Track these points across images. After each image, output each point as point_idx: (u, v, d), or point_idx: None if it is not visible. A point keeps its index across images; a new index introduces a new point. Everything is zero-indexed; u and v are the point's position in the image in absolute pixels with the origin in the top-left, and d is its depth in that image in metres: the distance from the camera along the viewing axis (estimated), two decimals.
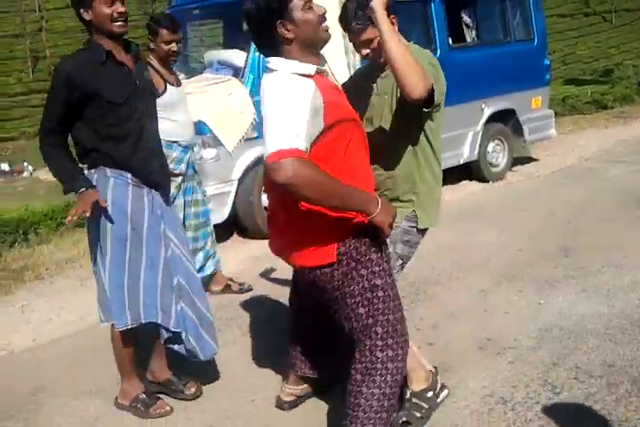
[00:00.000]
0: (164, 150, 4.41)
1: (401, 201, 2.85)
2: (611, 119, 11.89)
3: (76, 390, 3.63)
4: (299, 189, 2.07)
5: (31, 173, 23.31)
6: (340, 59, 6.28)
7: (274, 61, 2.28)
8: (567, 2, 41.85)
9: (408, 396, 3.04)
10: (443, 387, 3.16)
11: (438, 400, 3.09)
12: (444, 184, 7.60)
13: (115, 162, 2.98)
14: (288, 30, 2.23)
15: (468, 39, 7.94)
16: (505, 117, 8.05)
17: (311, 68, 2.25)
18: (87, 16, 2.87)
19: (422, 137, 2.82)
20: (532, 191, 7.24)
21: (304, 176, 2.05)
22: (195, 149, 4.70)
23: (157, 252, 3.07)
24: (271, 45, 2.28)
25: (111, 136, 2.94)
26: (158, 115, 3.22)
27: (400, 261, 2.90)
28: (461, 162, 7.60)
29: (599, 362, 3.38)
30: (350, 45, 6.27)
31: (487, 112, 7.75)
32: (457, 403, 3.12)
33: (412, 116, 2.70)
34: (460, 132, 7.53)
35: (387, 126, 2.78)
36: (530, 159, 8.67)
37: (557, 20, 37.04)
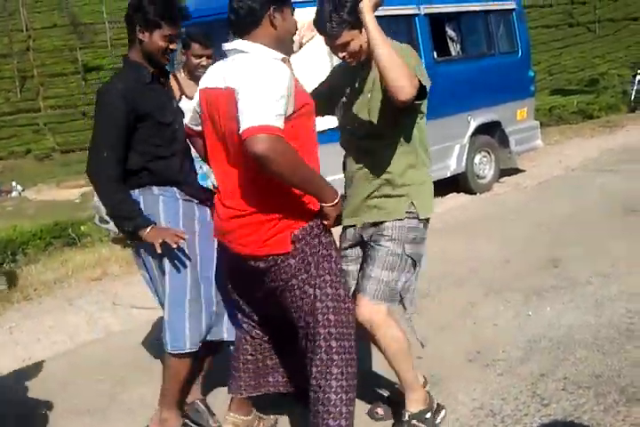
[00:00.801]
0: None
1: (396, 196, 2.84)
2: (597, 128, 11.99)
3: (66, 409, 3.61)
4: (273, 162, 2.17)
5: (20, 193, 23.28)
6: (325, 60, 6.28)
7: (246, 45, 2.41)
8: (551, 13, 42.32)
9: (407, 418, 2.98)
10: (440, 407, 3.11)
11: (437, 421, 3.04)
12: None
13: (163, 179, 2.90)
14: (275, 18, 2.42)
15: (453, 52, 8.02)
16: (491, 129, 8.12)
17: (280, 55, 2.43)
18: (142, 37, 2.83)
19: (410, 129, 2.82)
20: (519, 202, 7.28)
21: (280, 151, 2.18)
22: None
23: (211, 265, 2.97)
24: (251, 27, 2.42)
25: (159, 156, 2.87)
26: None
27: (410, 261, 2.87)
28: (449, 174, 7.65)
29: (587, 373, 3.39)
30: (336, 60, 6.34)
31: (473, 124, 7.82)
32: (447, 416, 3.12)
33: (401, 111, 2.67)
34: (447, 145, 7.59)
35: (374, 125, 2.78)
36: (517, 170, 8.73)
37: (542, 31, 37.44)
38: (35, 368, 4.21)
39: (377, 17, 6.95)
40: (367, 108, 2.79)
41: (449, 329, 4.09)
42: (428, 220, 2.93)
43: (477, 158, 7.98)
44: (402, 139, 2.81)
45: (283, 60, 2.43)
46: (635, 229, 5.75)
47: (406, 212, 2.83)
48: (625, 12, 42.97)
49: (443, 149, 7.55)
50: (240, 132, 2.19)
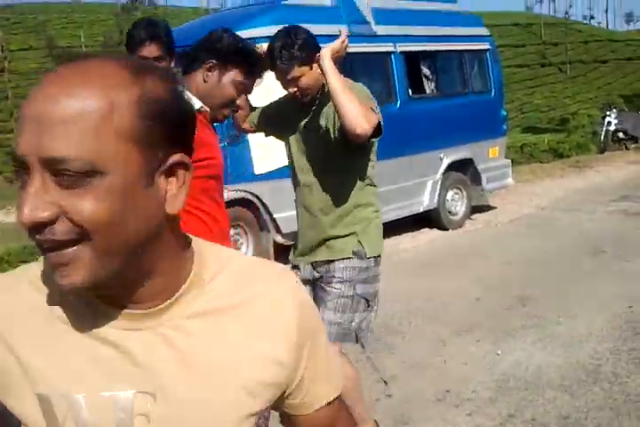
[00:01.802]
0: None
1: (344, 235, 2.83)
2: (567, 168, 12.21)
3: None
4: None
5: None
6: None
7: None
8: (524, 53, 43.24)
9: None
10: None
11: None
12: (403, 232, 7.72)
13: None
14: (211, 73, 2.29)
15: (428, 90, 8.16)
16: (463, 166, 8.23)
17: (197, 104, 2.27)
18: None
19: (361, 168, 2.83)
20: (490, 239, 7.36)
21: None
22: None
23: None
24: (189, 62, 2.34)
25: None
26: None
27: (363, 301, 2.85)
28: (421, 210, 7.72)
29: (555, 414, 3.41)
30: None
31: (446, 161, 7.92)
32: None
33: (353, 149, 2.72)
34: (419, 181, 7.67)
35: (324, 162, 2.80)
36: (488, 207, 8.84)
37: (515, 71, 38.22)
38: None
39: (354, 53, 7.12)
40: (318, 144, 2.81)
41: (419, 367, 4.10)
42: (378, 258, 2.91)
43: (450, 195, 8.07)
44: (351, 177, 2.82)
45: (200, 109, 2.27)
46: (602, 270, 5.85)
47: (354, 251, 2.82)
48: (595, 55, 44.12)
49: (415, 184, 7.63)
50: None
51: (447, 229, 7.92)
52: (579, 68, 41.15)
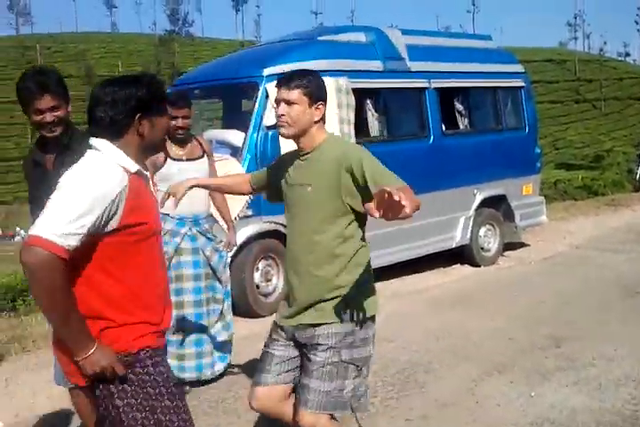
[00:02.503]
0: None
1: (331, 298, 2.71)
2: (601, 206, 12.09)
3: None
4: (33, 281, 2.02)
5: (23, 238, 23.34)
6: (334, 128, 6.44)
7: (102, 144, 2.19)
8: (558, 89, 43.24)
9: None
10: None
11: None
12: (434, 267, 7.69)
13: None
14: (142, 126, 2.21)
15: (461, 126, 8.18)
16: (497, 203, 8.20)
17: (134, 167, 2.19)
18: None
19: (352, 227, 2.73)
20: (523, 277, 7.28)
21: (44, 274, 1.99)
22: (204, 224, 4.59)
23: None
24: (111, 134, 2.19)
25: None
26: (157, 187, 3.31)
27: (352, 366, 2.72)
28: (453, 246, 7.68)
29: None
30: (345, 115, 6.47)
31: (479, 197, 7.90)
32: None
33: (344, 204, 2.67)
34: (452, 217, 7.65)
35: (311, 220, 2.72)
36: (521, 245, 8.76)
37: (548, 106, 38.19)
38: (27, 423, 4.14)
39: (388, 89, 7.23)
40: (306, 201, 2.74)
41: (451, 407, 4.03)
42: (367, 320, 2.76)
43: (482, 231, 8.03)
44: (340, 238, 2.71)
45: (137, 172, 2.20)
46: (637, 311, 5.74)
47: (342, 315, 2.70)
48: (630, 92, 43.96)
49: (448, 220, 7.61)
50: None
51: (479, 266, 7.86)
52: (613, 104, 40.99)
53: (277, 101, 2.73)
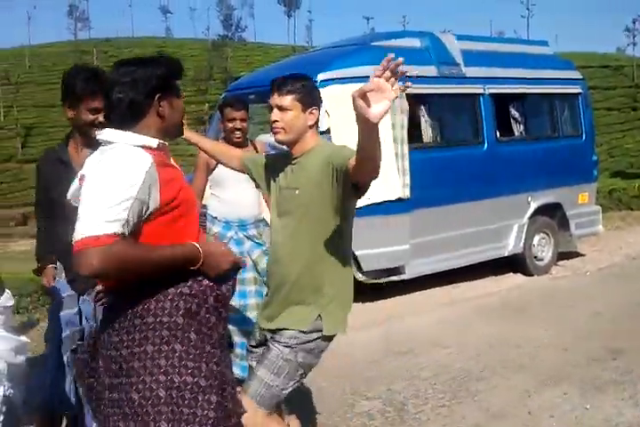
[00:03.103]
0: (208, 224, 4.54)
1: (306, 304, 2.71)
2: None
3: None
4: (111, 277, 2.02)
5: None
6: (389, 148, 6.44)
7: (113, 135, 2.13)
8: (615, 96, 42.34)
9: None
10: None
11: None
12: (487, 275, 7.60)
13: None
14: (162, 107, 2.15)
15: (516, 133, 8.07)
16: (551, 211, 8.06)
17: (153, 142, 2.12)
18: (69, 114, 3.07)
19: (337, 234, 2.70)
20: (577, 288, 7.14)
21: (112, 265, 1.92)
22: (250, 229, 4.59)
23: None
24: (134, 120, 2.13)
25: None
26: (209, 189, 3.32)
27: (301, 371, 2.72)
28: (506, 254, 7.58)
29: None
30: (399, 134, 6.46)
31: (533, 205, 7.78)
32: None
33: (334, 209, 2.66)
34: (505, 224, 7.55)
35: (300, 222, 2.71)
36: (576, 254, 8.59)
37: (604, 113, 37.42)
38: None
39: (443, 94, 7.20)
40: (294, 205, 2.73)
41: (503, 417, 3.97)
42: (333, 336, 2.78)
43: (536, 239, 7.90)
44: (325, 243, 2.69)
45: (158, 146, 2.14)
46: None
47: (315, 325, 2.69)
48: None
49: (501, 227, 7.52)
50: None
51: (532, 275, 7.74)
52: None
53: (270, 107, 2.76)
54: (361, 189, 2.59)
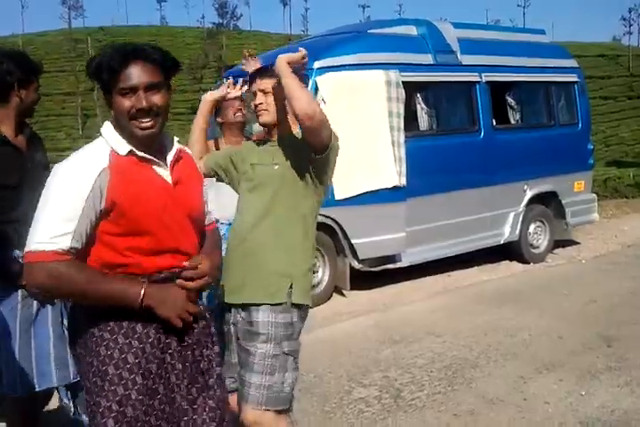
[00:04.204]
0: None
1: (279, 274, 2.73)
2: None
3: None
4: (53, 295, 2.11)
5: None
6: (385, 136, 6.42)
7: (105, 127, 2.12)
8: (611, 85, 42.32)
9: None
10: None
11: None
12: (482, 263, 7.64)
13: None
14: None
15: (512, 121, 8.06)
16: (547, 199, 8.08)
17: (124, 149, 2.06)
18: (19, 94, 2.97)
19: (308, 209, 2.80)
20: (572, 275, 7.16)
21: (53, 284, 1.93)
22: None
23: None
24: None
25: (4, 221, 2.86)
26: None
27: (290, 359, 2.71)
28: (502, 242, 7.59)
29: None
30: (395, 108, 6.43)
31: (529, 193, 7.79)
32: None
33: (306, 183, 2.76)
34: (501, 212, 7.56)
35: (276, 193, 2.77)
36: (571, 242, 8.61)
37: (600, 102, 37.42)
38: None
39: (439, 82, 7.23)
40: (270, 179, 2.78)
41: (499, 403, 3.99)
42: (305, 311, 2.80)
43: (532, 228, 7.92)
44: (296, 219, 2.77)
45: (128, 153, 2.07)
46: None
47: (285, 298, 2.69)
48: None
49: (497, 215, 7.53)
50: None
51: (528, 263, 7.76)
52: None
53: (254, 93, 2.83)
54: (316, 146, 2.69)
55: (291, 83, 2.61)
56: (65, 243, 1.93)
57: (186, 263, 2.09)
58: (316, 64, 6.31)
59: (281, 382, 2.67)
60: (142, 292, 1.98)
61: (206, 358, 2.17)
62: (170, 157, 2.16)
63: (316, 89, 6.22)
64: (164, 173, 2.13)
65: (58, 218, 1.93)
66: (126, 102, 2.02)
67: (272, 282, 2.71)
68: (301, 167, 2.75)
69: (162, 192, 2.10)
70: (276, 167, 2.78)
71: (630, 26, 74.92)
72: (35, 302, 2.93)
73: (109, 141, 2.06)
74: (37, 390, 2.98)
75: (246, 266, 2.74)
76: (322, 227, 6.28)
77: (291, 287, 2.70)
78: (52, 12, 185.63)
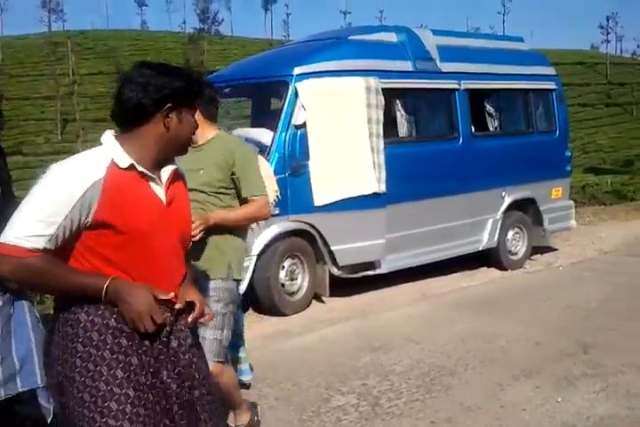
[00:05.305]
0: None
1: (220, 255, 3.28)
2: (631, 212, 11.93)
3: None
4: (24, 285, 2.23)
5: None
6: (365, 142, 6.44)
7: (105, 137, 2.10)
8: (589, 92, 42.74)
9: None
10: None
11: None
12: (461, 270, 7.66)
13: None
14: (169, 118, 2.09)
15: (491, 128, 8.11)
16: (525, 206, 8.13)
17: (125, 162, 2.03)
18: None
19: (234, 201, 3.36)
20: (550, 282, 7.21)
21: (22, 277, 1.97)
22: None
23: None
24: (136, 123, 2.08)
25: None
26: None
27: (231, 318, 3.31)
28: (480, 248, 7.63)
29: None
30: (374, 129, 6.49)
31: (507, 200, 7.84)
32: None
33: (229, 185, 3.33)
34: (480, 219, 7.60)
35: (207, 195, 3.28)
36: (549, 249, 8.67)
37: (578, 109, 37.76)
38: None
39: (418, 89, 7.35)
40: (197, 182, 3.15)
41: (476, 411, 3.99)
42: (239, 282, 3.44)
43: (510, 234, 7.96)
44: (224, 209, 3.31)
45: (128, 167, 2.03)
46: None
47: (226, 273, 3.28)
48: None
49: (476, 222, 7.56)
50: None
51: (506, 270, 7.80)
52: None
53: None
54: None
55: (234, 220, 3.31)
56: (40, 243, 1.93)
57: (178, 306, 2.11)
58: (297, 70, 6.32)
59: (225, 337, 3.25)
60: (107, 283, 1.98)
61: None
62: (165, 175, 2.14)
63: (296, 95, 6.23)
64: (160, 191, 2.12)
65: (38, 219, 1.93)
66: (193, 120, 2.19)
67: (214, 261, 3.28)
68: (223, 167, 3.29)
69: (155, 210, 2.09)
70: (201, 172, 3.22)
71: (608, 34, 75.78)
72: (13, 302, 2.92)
73: (111, 152, 2.04)
74: (20, 390, 2.95)
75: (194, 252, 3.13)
76: (301, 233, 6.29)
77: (230, 268, 3.31)
78: (32, 15, 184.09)
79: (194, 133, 2.23)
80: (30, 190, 1.99)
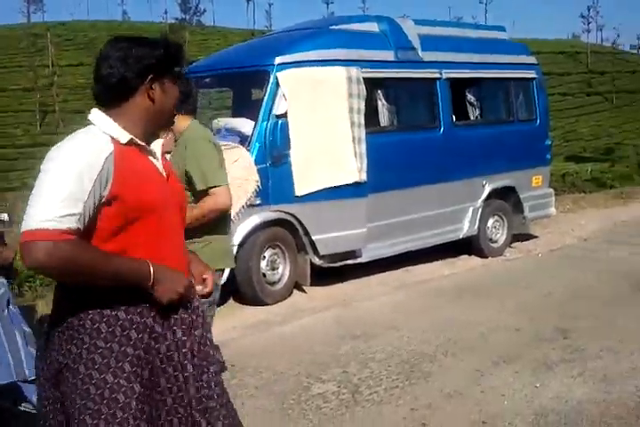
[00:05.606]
0: None
1: (207, 246, 3.49)
2: (610, 199, 12.03)
3: None
4: (54, 275, 1.93)
5: (3, 222, 23.35)
6: (346, 132, 6.45)
7: (95, 115, 2.02)
8: (569, 81, 42.96)
9: None
10: None
11: None
12: (441, 258, 7.72)
13: None
14: (153, 90, 2.03)
15: (472, 117, 8.15)
16: (505, 194, 8.17)
17: (124, 137, 1.98)
18: None
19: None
20: (530, 269, 7.27)
21: (57, 263, 1.79)
22: None
23: None
24: (120, 99, 2.02)
25: None
26: None
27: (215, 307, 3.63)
28: (461, 236, 7.67)
29: None
30: (356, 118, 6.51)
31: (488, 188, 7.87)
32: None
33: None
34: (460, 207, 7.64)
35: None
36: (529, 236, 8.74)
37: (559, 99, 37.97)
38: None
39: (400, 79, 7.44)
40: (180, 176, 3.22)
41: (456, 397, 4.04)
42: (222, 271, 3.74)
43: (490, 222, 8.00)
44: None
45: (128, 142, 1.99)
46: None
47: (221, 262, 3.57)
48: None
49: (456, 210, 7.60)
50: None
51: (487, 257, 7.85)
52: (625, 97, 40.69)
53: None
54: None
55: (195, 219, 3.35)
56: (72, 223, 1.81)
57: (206, 290, 2.24)
58: (278, 60, 6.31)
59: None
60: (151, 268, 1.93)
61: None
62: (157, 149, 2.12)
63: (277, 85, 6.21)
64: (159, 165, 2.10)
65: (63, 197, 1.80)
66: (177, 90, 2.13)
67: (206, 252, 3.34)
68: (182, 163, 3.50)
69: (160, 184, 2.07)
70: (178, 166, 3.35)
71: (589, 23, 75.90)
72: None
73: (106, 129, 1.97)
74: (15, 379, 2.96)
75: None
76: (282, 223, 6.29)
77: (217, 259, 3.44)
78: (10, 6, 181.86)
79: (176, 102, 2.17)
80: (43, 172, 1.87)
